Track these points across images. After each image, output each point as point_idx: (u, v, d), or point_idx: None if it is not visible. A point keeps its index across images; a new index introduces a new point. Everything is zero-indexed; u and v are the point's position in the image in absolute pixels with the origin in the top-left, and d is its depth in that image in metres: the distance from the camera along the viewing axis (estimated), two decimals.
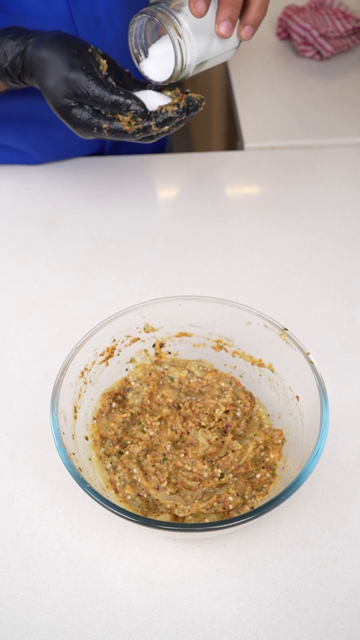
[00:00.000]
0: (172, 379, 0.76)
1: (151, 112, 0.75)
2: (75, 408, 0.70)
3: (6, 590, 0.65)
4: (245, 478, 0.67)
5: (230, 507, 0.65)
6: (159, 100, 0.77)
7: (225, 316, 0.75)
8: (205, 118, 1.95)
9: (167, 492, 0.66)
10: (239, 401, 0.72)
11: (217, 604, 0.64)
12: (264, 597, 0.64)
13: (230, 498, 0.65)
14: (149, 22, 0.75)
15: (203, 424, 0.71)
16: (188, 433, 0.71)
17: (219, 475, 0.68)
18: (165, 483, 0.67)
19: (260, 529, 0.68)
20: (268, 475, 0.68)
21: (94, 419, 0.72)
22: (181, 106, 0.75)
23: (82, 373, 0.71)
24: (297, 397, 0.70)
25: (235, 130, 1.24)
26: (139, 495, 0.67)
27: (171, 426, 0.71)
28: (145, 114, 0.74)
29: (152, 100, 0.77)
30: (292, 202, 1.04)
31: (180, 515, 0.65)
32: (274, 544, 0.67)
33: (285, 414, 0.72)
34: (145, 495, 0.67)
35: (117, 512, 0.59)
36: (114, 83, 0.77)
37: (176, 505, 0.65)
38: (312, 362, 0.68)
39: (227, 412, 0.72)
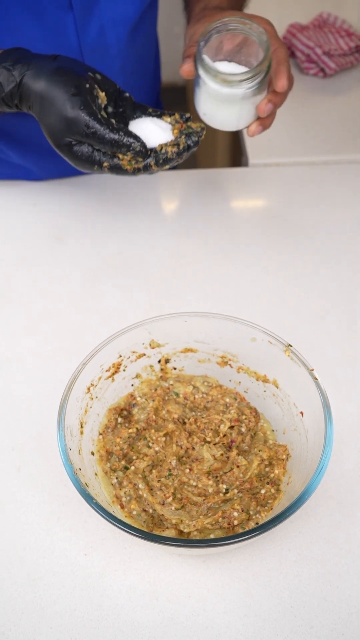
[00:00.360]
0: (177, 395, 0.76)
1: (151, 150, 0.75)
2: (81, 423, 0.70)
3: (12, 605, 0.65)
4: (250, 494, 0.68)
5: (235, 522, 0.65)
6: (158, 130, 0.76)
7: (230, 332, 0.75)
8: (210, 134, 1.96)
9: (173, 508, 0.67)
10: (243, 417, 0.73)
11: (222, 619, 0.64)
12: (269, 613, 0.64)
13: (235, 514, 0.65)
14: (231, 37, 0.77)
15: (208, 439, 0.71)
16: (193, 448, 0.71)
17: (224, 490, 0.68)
18: (171, 498, 0.67)
19: (265, 544, 0.68)
20: (273, 490, 0.68)
21: (100, 434, 0.73)
22: (181, 146, 0.75)
23: (89, 389, 0.72)
24: (302, 412, 0.70)
25: (240, 146, 1.25)
26: (144, 510, 0.67)
27: (176, 442, 0.71)
28: (145, 153, 0.74)
29: (152, 132, 0.76)
30: (297, 218, 1.04)
31: (186, 530, 0.65)
32: (279, 559, 0.67)
33: (290, 429, 0.72)
34: (151, 511, 0.67)
35: (122, 527, 0.59)
36: (113, 121, 0.77)
37: (181, 520, 0.66)
38: (316, 378, 0.68)
39: (232, 427, 0.72)
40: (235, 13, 0.82)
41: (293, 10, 1.49)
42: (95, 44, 0.92)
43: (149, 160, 0.75)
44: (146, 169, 0.75)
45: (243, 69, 0.78)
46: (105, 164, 0.74)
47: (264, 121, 0.82)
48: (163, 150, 0.75)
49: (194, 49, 0.80)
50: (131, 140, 0.74)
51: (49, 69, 0.74)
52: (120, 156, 0.75)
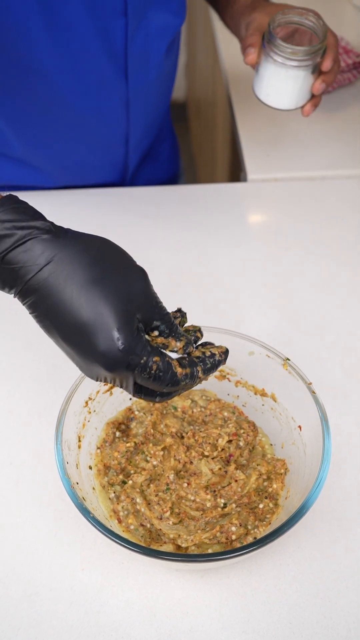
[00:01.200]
0: (175, 409, 0.76)
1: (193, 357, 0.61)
2: (79, 437, 0.70)
3: (8, 621, 0.64)
4: (248, 508, 0.67)
5: (233, 537, 0.65)
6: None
7: (228, 346, 0.75)
8: (209, 150, 1.98)
9: (170, 522, 0.66)
10: (242, 431, 0.72)
11: (220, 635, 0.63)
12: (267, 630, 0.63)
13: (233, 528, 0.65)
14: (285, 27, 0.91)
15: (206, 453, 0.71)
16: (191, 463, 0.71)
17: (222, 505, 0.68)
18: (169, 513, 0.67)
19: (263, 559, 0.68)
20: (271, 505, 0.68)
21: (98, 448, 0.73)
22: (223, 350, 0.62)
23: (87, 402, 0.72)
24: (300, 426, 0.70)
25: (239, 161, 1.26)
26: (142, 525, 0.67)
27: (174, 456, 0.71)
28: (191, 347, 0.60)
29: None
30: (295, 233, 1.05)
31: (183, 545, 0.65)
32: (277, 575, 0.67)
33: (288, 443, 0.72)
34: (149, 525, 0.67)
35: (120, 542, 0.59)
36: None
37: (179, 535, 0.65)
38: (314, 392, 0.68)
39: (230, 441, 0.72)
40: (288, 5, 0.93)
41: None
42: (139, 51, 0.94)
43: (196, 367, 0.59)
44: (192, 376, 0.59)
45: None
46: (156, 358, 0.56)
47: (316, 100, 0.94)
48: (208, 354, 0.61)
49: (255, 38, 0.91)
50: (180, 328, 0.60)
51: (99, 236, 0.63)
52: (172, 345, 0.59)
